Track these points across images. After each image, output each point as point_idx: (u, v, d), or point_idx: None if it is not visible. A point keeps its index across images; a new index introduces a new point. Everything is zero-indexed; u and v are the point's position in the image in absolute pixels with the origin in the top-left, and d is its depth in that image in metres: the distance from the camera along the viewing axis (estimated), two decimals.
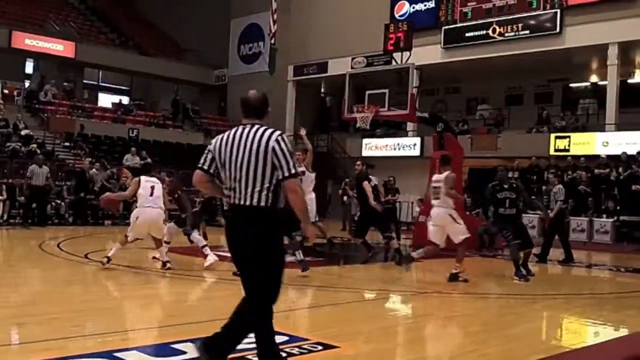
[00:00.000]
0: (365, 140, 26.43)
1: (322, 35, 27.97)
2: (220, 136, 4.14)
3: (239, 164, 3.96)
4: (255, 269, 4.00)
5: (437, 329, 6.29)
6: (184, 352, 4.72)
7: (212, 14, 32.10)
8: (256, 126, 4.04)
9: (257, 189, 3.91)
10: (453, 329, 6.41)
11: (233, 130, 4.09)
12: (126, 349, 4.70)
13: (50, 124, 23.93)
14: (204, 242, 9.61)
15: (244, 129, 4.04)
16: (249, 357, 4.65)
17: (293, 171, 3.94)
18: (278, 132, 4.01)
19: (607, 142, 20.24)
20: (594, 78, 24.38)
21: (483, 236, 14.59)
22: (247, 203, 3.92)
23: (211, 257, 9.18)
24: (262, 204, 3.92)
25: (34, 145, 20.95)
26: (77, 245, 12.50)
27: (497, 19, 22.79)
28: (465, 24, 23.65)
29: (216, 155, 4.07)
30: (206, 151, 4.14)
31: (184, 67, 32.37)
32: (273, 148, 3.92)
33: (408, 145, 25.04)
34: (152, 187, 9.07)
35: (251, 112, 4.15)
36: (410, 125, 25.21)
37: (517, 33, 22.29)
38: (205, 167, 4.10)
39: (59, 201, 18.12)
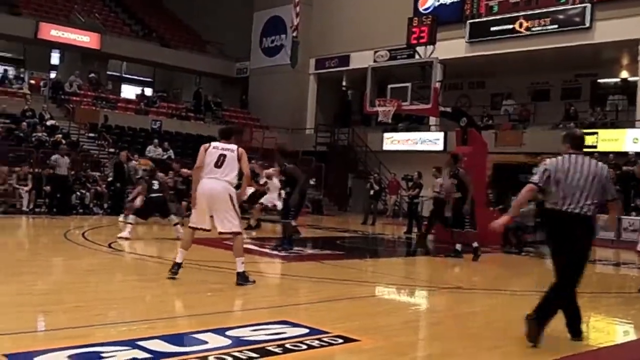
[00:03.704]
0: (386, 135, 26.36)
1: (344, 28, 27.91)
2: (555, 161, 5.44)
3: (579, 183, 5.28)
4: (581, 256, 5.47)
5: (458, 324, 6.25)
6: (206, 342, 4.75)
7: (234, 6, 32.18)
8: (586, 157, 5.42)
9: (591, 203, 5.27)
10: (475, 324, 6.35)
11: (566, 158, 5.41)
12: (149, 337, 4.73)
13: (75, 115, 24.16)
14: None
15: (576, 157, 5.39)
16: (269, 348, 4.68)
17: (616, 195, 5.63)
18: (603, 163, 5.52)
19: (637, 139, 19.91)
20: (624, 74, 24.01)
21: (509, 233, 14.27)
22: (580, 212, 5.26)
23: None
24: (590, 214, 5.30)
25: (59, 136, 21.18)
26: (101, 234, 12.64)
27: (524, 13, 22.54)
28: (490, 18, 23.45)
29: (552, 174, 5.37)
30: (542, 170, 5.44)
31: (206, 59, 32.50)
32: (607, 177, 5.41)
33: (431, 140, 24.90)
34: None
35: (579, 144, 5.52)
36: (433, 120, 25.08)
37: (544, 27, 22.04)
38: (540, 184, 5.43)
39: (83, 191, 18.30)
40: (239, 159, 7.38)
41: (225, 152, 7.37)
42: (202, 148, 7.50)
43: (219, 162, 7.31)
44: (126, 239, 11.50)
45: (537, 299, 7.34)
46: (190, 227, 7.56)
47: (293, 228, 11.62)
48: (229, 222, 7.31)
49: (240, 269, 7.36)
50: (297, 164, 13.65)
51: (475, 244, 11.38)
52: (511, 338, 5.66)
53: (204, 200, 7.35)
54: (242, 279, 7.33)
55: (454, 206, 11.69)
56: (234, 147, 7.47)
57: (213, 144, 7.49)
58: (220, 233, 7.50)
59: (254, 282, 7.45)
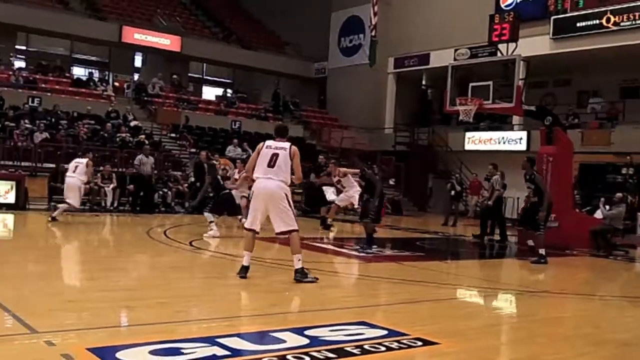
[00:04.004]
0: (468, 134, 25.87)
1: (423, 26, 27.58)
2: None
3: None
4: None
5: (544, 329, 5.98)
6: (284, 341, 4.72)
7: (312, 7, 32.33)
8: None
9: None
10: (562, 329, 6.08)
11: None
12: (228, 335, 4.75)
13: (157, 116, 24.85)
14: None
15: None
16: (347, 348, 4.60)
17: None
18: None
19: None
20: None
21: (598, 236, 13.63)
22: None
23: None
24: None
25: (142, 136, 21.82)
26: (182, 232, 12.90)
27: (611, 7, 21.63)
28: (576, 14, 22.64)
29: None
30: None
31: (284, 60, 32.78)
32: None
33: (514, 140, 24.29)
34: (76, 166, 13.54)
35: None
36: (516, 119, 24.46)
37: (634, 22, 21.07)
38: None
39: (165, 190, 18.78)
40: (292, 158, 7.36)
41: (278, 152, 7.38)
42: (255, 150, 7.57)
43: (272, 162, 7.32)
44: (213, 237, 11.69)
45: (628, 304, 7.00)
46: (245, 228, 7.60)
47: (372, 227, 11.57)
48: (284, 221, 7.30)
49: (298, 265, 7.33)
50: (375, 167, 13.65)
51: (542, 251, 10.97)
52: (602, 344, 5.39)
53: (260, 200, 7.36)
54: (301, 275, 7.30)
55: (530, 209, 11.52)
56: (287, 145, 7.46)
57: (267, 142, 7.54)
58: (278, 233, 7.47)
59: (315, 279, 7.39)
